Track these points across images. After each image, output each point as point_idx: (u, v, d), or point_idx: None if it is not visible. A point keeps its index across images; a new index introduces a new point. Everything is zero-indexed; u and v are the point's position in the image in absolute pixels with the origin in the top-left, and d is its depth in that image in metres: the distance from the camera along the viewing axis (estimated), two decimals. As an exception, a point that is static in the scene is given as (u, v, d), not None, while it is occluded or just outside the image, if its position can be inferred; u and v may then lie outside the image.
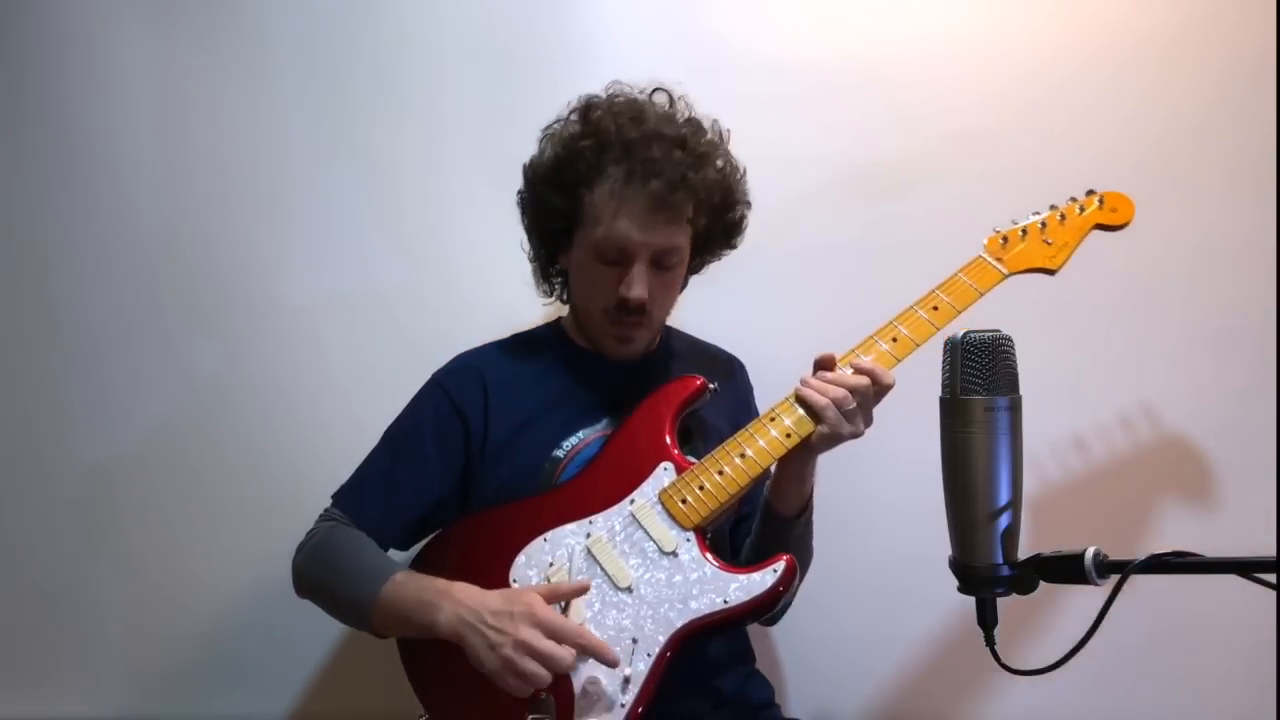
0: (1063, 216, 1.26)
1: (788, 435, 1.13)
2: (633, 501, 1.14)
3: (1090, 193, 1.28)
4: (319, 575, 1.18)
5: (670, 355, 1.35)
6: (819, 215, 1.60)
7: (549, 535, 1.14)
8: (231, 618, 1.58)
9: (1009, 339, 0.78)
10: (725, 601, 1.07)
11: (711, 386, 1.23)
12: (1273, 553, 0.67)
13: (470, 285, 1.61)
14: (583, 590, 1.08)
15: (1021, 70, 1.59)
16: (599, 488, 1.16)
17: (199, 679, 1.58)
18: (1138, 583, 0.71)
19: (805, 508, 1.22)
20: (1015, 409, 0.77)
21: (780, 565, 1.08)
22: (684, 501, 1.12)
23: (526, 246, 1.31)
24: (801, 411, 1.14)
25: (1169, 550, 0.71)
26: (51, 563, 1.60)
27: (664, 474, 1.16)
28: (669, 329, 1.39)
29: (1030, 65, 1.59)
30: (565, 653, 0.99)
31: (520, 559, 1.13)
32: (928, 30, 1.60)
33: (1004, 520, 0.77)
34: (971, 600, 0.81)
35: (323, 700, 1.58)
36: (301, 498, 1.25)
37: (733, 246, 1.32)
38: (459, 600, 1.04)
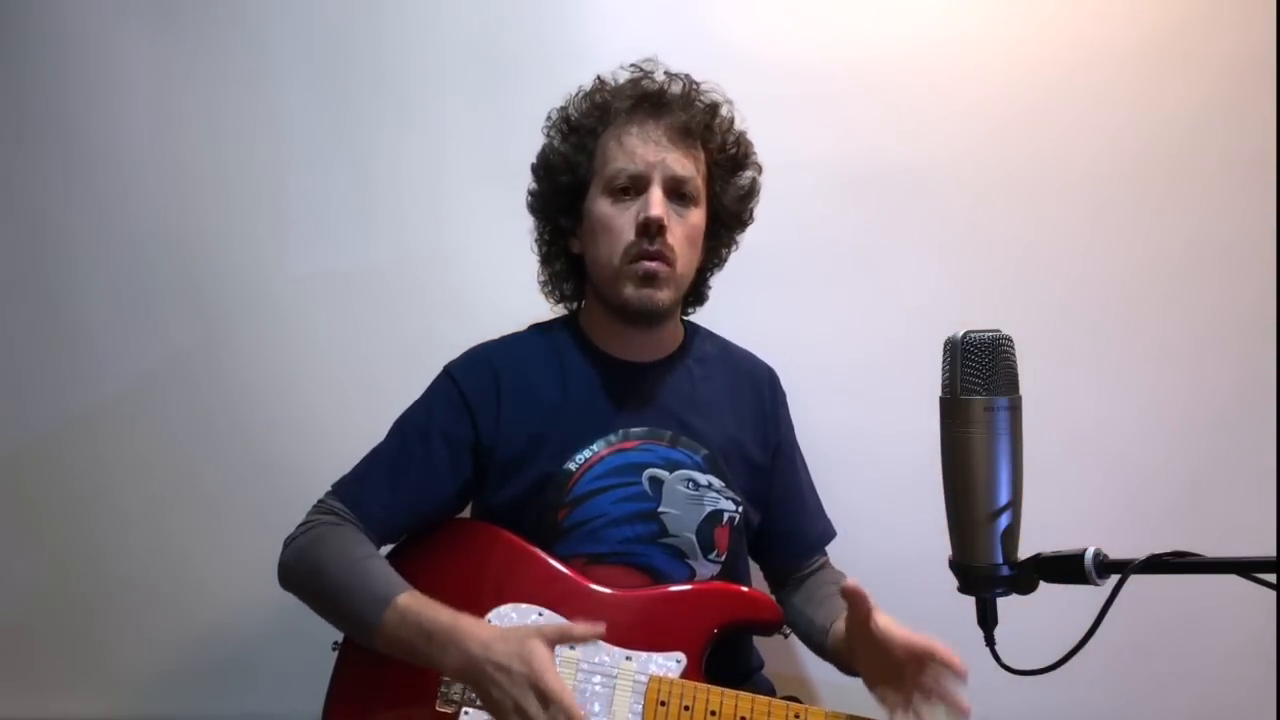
0: None
1: None
2: (629, 659, 1.10)
3: None
4: (312, 583, 1.12)
5: (695, 358, 1.30)
6: (820, 215, 1.60)
7: (544, 613, 1.12)
8: (231, 618, 1.58)
9: (1009, 339, 0.78)
10: None
11: (785, 635, 1.22)
12: (1273, 553, 0.67)
13: (469, 284, 1.61)
14: (596, 636, 1.03)
15: (1021, 70, 1.59)
16: (615, 614, 1.10)
17: (196, 680, 1.58)
18: (1138, 583, 0.71)
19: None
20: (1015, 409, 0.77)
21: None
22: (662, 704, 1.07)
23: (535, 253, 1.31)
24: None
25: (1169, 550, 0.70)
26: (46, 563, 1.59)
27: (671, 663, 1.10)
28: (696, 328, 1.36)
29: (1029, 66, 1.59)
30: None
31: (510, 611, 1.12)
32: (928, 32, 1.60)
33: (1004, 520, 0.76)
34: (971, 600, 0.81)
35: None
36: (299, 493, 1.24)
37: (746, 220, 1.31)
38: (464, 648, 1.00)
